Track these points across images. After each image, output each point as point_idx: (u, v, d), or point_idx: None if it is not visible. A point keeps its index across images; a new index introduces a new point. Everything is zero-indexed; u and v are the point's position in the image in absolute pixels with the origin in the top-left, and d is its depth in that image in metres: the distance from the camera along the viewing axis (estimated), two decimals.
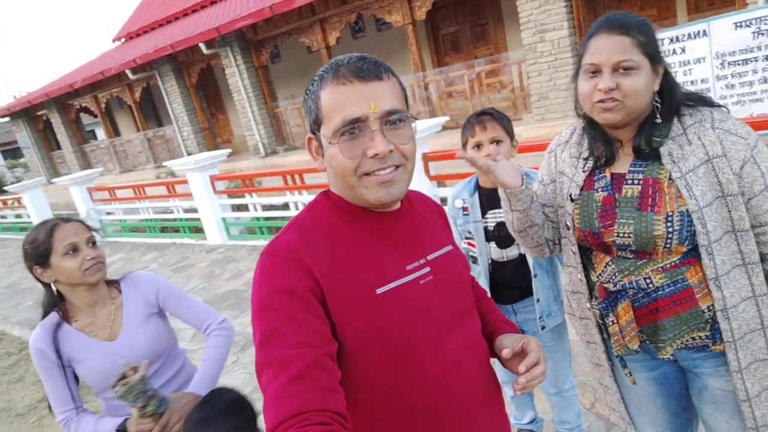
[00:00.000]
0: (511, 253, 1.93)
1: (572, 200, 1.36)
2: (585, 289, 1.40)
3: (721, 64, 4.05)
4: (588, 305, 1.41)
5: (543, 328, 1.97)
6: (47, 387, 1.58)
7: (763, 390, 1.25)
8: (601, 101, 1.20)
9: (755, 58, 3.98)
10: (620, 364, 1.41)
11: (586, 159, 1.35)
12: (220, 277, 5.77)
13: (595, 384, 2.68)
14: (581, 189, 1.35)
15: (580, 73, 1.27)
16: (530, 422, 2.32)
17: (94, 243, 1.63)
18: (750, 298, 1.21)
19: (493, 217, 1.91)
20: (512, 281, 1.96)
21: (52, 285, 1.60)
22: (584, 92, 1.24)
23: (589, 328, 1.45)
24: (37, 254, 1.56)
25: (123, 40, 18.81)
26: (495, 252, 1.94)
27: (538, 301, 1.94)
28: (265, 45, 11.98)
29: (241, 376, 3.54)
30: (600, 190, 1.31)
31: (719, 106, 1.28)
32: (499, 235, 1.91)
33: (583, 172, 1.35)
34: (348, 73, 0.91)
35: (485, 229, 1.94)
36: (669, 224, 1.20)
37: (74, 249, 1.56)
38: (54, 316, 1.60)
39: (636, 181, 1.26)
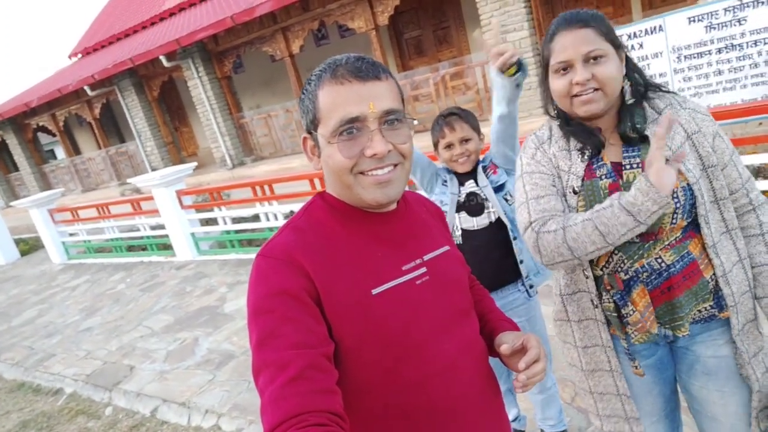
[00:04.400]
0: (483, 221, 1.94)
1: (575, 192, 1.31)
2: (592, 286, 1.34)
3: (678, 57, 4.17)
4: (592, 304, 1.36)
5: (531, 286, 1.99)
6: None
7: (758, 351, 1.30)
8: (579, 94, 1.22)
9: (709, 51, 4.12)
10: (629, 358, 1.37)
11: (580, 149, 1.32)
12: (192, 294, 5.64)
13: (575, 379, 2.69)
14: (582, 179, 1.31)
15: (549, 73, 1.28)
16: (514, 420, 2.33)
17: None
18: (738, 262, 1.28)
19: (463, 189, 1.97)
20: (486, 252, 1.93)
21: None
22: (559, 90, 1.26)
23: (590, 330, 1.40)
24: None
25: (80, 55, 18.32)
26: (466, 221, 1.94)
27: (521, 262, 1.96)
28: (228, 55, 11.83)
29: (219, 395, 3.45)
30: (603, 177, 1.29)
31: (673, 93, 1.35)
32: (469, 205, 1.95)
33: (582, 162, 1.31)
34: (346, 72, 0.92)
35: (458, 201, 1.96)
36: (676, 200, 1.22)
37: None
38: None
39: (635, 165, 1.27)
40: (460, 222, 1.97)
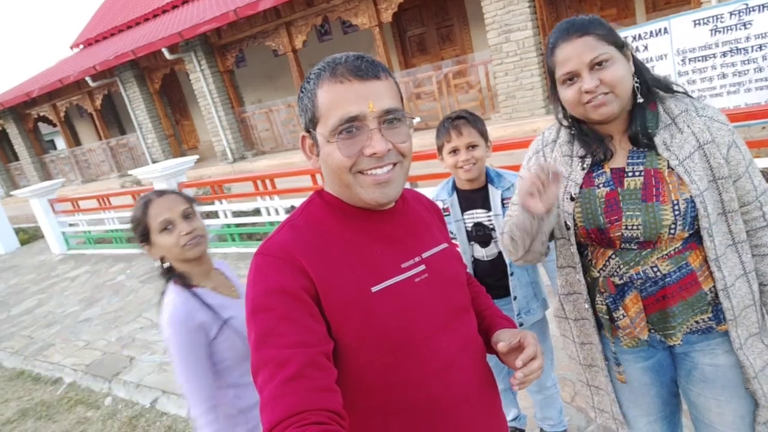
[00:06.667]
0: (491, 252, 1.93)
1: (572, 199, 1.33)
2: (584, 289, 1.39)
3: (682, 60, 4.18)
4: (586, 305, 1.40)
5: (521, 324, 1.98)
6: (190, 372, 1.44)
7: (765, 365, 1.29)
8: (590, 101, 1.21)
9: (713, 54, 4.12)
10: (614, 362, 1.40)
11: (582, 157, 1.33)
12: None
13: (575, 378, 2.71)
14: (580, 187, 1.33)
15: (557, 84, 1.28)
16: (514, 419, 2.34)
17: (189, 216, 1.57)
18: (742, 275, 1.27)
19: (470, 218, 1.92)
20: (492, 280, 1.96)
21: (163, 261, 1.59)
22: (570, 99, 1.25)
23: (585, 329, 1.44)
24: (139, 233, 1.56)
25: (82, 46, 18.26)
26: (477, 251, 1.95)
27: (515, 298, 1.95)
28: (230, 49, 11.81)
29: None
30: (601, 186, 1.30)
31: (686, 93, 1.33)
32: (478, 235, 1.92)
33: (582, 170, 1.33)
34: (346, 71, 0.91)
35: (465, 229, 1.94)
36: (676, 211, 1.22)
37: (169, 224, 1.53)
38: (177, 284, 1.55)
39: (637, 173, 1.27)
40: (473, 251, 1.94)
